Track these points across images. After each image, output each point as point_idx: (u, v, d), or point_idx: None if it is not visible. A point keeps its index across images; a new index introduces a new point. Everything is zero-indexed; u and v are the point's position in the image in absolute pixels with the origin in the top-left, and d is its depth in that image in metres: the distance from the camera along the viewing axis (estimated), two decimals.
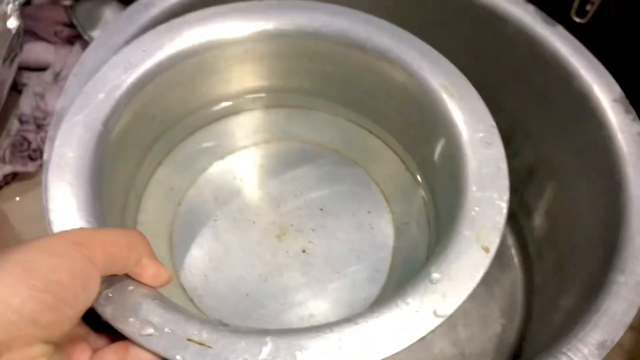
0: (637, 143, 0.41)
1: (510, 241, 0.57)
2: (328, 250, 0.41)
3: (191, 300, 0.39)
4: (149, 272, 0.28)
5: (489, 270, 0.40)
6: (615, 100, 0.43)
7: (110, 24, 0.42)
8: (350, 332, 0.28)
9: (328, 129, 0.46)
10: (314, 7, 0.39)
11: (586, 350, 0.33)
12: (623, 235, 0.38)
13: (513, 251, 0.56)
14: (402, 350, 0.28)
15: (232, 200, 0.43)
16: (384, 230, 0.42)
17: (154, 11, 0.43)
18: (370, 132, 0.46)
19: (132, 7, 0.44)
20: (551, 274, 0.52)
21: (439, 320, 0.28)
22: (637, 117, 0.43)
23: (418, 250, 0.41)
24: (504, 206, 0.32)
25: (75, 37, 0.65)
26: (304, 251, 0.41)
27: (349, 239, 0.42)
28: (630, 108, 0.43)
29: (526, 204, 0.56)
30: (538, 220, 0.55)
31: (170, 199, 0.42)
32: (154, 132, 0.41)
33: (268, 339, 0.27)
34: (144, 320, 0.27)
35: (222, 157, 0.45)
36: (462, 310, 0.45)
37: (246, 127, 0.46)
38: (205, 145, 0.45)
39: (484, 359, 0.52)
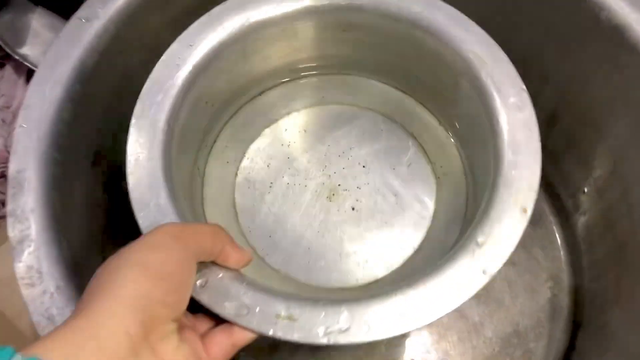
0: None
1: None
2: (374, 204, 0.45)
3: (261, 258, 0.43)
4: (233, 257, 0.32)
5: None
6: None
7: (49, 48, 0.38)
8: (412, 296, 0.31)
9: (363, 91, 0.49)
10: None
11: None
12: None
13: (543, 203, 0.56)
14: (462, 305, 0.31)
15: (283, 166, 0.46)
16: (425, 180, 0.45)
17: (98, 24, 0.40)
18: (404, 92, 0.48)
19: (71, 24, 0.40)
20: (598, 229, 0.51)
21: (488, 278, 0.31)
22: None
23: (458, 199, 0.44)
24: (537, 168, 0.34)
25: (4, 58, 0.55)
26: (353, 208, 0.45)
27: (392, 192, 0.45)
28: None
29: (550, 150, 0.56)
30: (567, 167, 0.54)
31: (228, 172, 0.46)
32: (207, 116, 0.44)
33: (344, 307, 0.31)
34: (237, 303, 0.31)
35: (268, 126, 0.48)
36: (506, 281, 0.48)
37: (287, 96, 0.49)
38: (252, 118, 0.48)
39: (539, 330, 0.52)
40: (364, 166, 0.46)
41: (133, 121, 0.36)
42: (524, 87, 0.36)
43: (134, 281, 0.26)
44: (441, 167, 0.46)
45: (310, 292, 0.42)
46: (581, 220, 0.54)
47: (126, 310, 0.25)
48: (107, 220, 0.45)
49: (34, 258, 0.35)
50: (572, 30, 0.45)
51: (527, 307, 0.53)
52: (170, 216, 0.33)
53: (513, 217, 0.33)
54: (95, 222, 0.43)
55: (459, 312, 0.52)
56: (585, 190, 0.53)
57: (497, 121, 0.36)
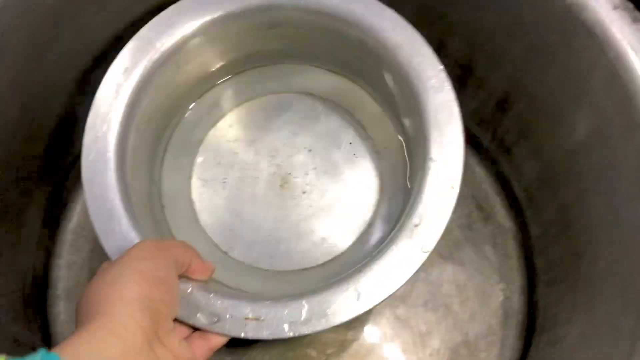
0: None
1: (489, 185, 0.55)
2: (323, 185, 0.46)
3: (225, 252, 0.45)
4: (200, 269, 0.35)
5: (472, 225, 0.51)
6: (616, 8, 0.36)
7: None
8: (363, 281, 0.34)
9: (297, 78, 0.49)
10: None
11: None
12: None
13: (495, 196, 0.55)
14: (406, 283, 0.34)
15: (233, 161, 0.47)
16: (367, 156, 0.47)
17: None
18: (336, 74, 0.49)
19: None
20: (554, 228, 0.48)
21: (426, 255, 0.35)
22: None
23: (399, 171, 0.46)
24: (461, 146, 0.37)
25: None
26: (304, 192, 0.46)
27: (338, 171, 0.47)
28: (638, 14, 0.36)
29: (502, 140, 0.52)
30: (521, 160, 0.51)
31: (182, 176, 0.47)
32: (154, 131, 0.45)
33: (304, 301, 0.34)
34: (208, 313, 0.34)
35: (213, 126, 0.49)
36: (455, 284, 0.48)
37: (226, 94, 0.49)
38: (195, 121, 0.49)
39: (491, 338, 0.49)
40: (309, 150, 0.47)
41: (83, 157, 0.37)
42: (442, 67, 0.38)
43: (136, 284, 0.29)
44: (380, 141, 0.47)
45: (274, 277, 0.45)
46: (536, 217, 0.50)
47: (136, 308, 0.28)
48: None
49: None
50: (525, 10, 0.42)
51: (477, 312, 0.51)
52: (134, 240, 0.36)
53: (443, 195, 0.36)
54: None
55: (403, 321, 0.48)
56: (540, 184, 0.48)
57: (420, 103, 0.38)
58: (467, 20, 0.47)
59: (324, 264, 0.44)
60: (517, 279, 0.51)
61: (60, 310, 0.49)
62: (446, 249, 0.51)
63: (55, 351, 0.24)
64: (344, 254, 0.45)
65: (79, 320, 0.29)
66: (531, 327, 0.49)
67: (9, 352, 0.39)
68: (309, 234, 0.45)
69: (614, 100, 0.37)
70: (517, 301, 0.51)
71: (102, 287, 0.29)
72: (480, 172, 0.55)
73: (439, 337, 0.49)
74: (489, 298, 0.51)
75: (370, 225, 0.45)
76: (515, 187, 0.52)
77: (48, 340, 0.48)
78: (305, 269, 0.44)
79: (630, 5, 0.36)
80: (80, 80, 0.49)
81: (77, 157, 0.51)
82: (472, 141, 0.55)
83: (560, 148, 0.44)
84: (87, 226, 0.52)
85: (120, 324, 0.27)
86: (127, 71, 0.39)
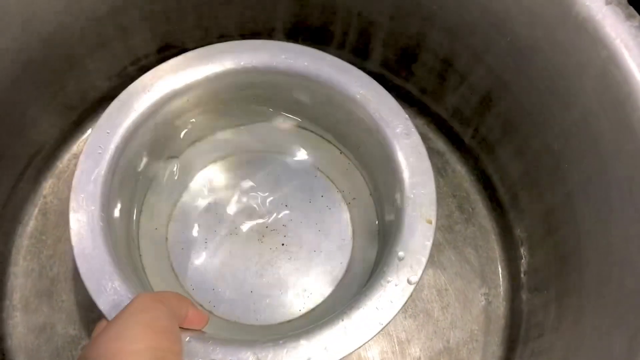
0: None
1: (471, 183, 0.54)
2: (300, 237, 0.49)
3: (209, 311, 0.46)
4: (196, 319, 0.35)
5: (453, 227, 0.52)
6: (609, 3, 0.35)
7: None
8: (357, 316, 0.36)
9: (269, 137, 0.52)
10: (236, 47, 0.44)
11: None
12: None
13: (477, 196, 0.53)
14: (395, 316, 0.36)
15: (211, 220, 0.49)
16: (339, 207, 0.50)
17: None
18: (306, 129, 0.51)
19: None
20: (538, 230, 0.46)
21: (413, 286, 0.37)
22: None
23: (370, 218, 0.49)
24: (432, 184, 0.40)
25: None
26: (283, 244, 0.49)
27: (314, 223, 0.49)
28: (631, 10, 0.35)
29: (484, 138, 0.50)
30: (505, 159, 0.49)
31: (159, 237, 0.48)
32: (132, 189, 0.45)
33: (302, 340, 0.35)
34: None
35: (186, 186, 0.50)
36: (435, 289, 0.47)
37: (201, 154, 0.51)
38: (171, 180, 0.50)
39: (473, 345, 0.47)
40: (285, 205, 0.50)
41: (71, 214, 0.38)
42: (407, 116, 0.42)
43: (143, 336, 0.29)
44: (349, 193, 0.50)
45: (261, 332, 0.46)
46: (519, 219, 0.48)
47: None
48: None
49: None
50: (511, 2, 0.40)
51: (458, 318, 0.49)
52: (127, 295, 0.36)
53: (422, 229, 0.38)
54: None
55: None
56: (524, 185, 0.46)
57: (391, 149, 0.41)
58: (448, 11, 0.44)
59: (307, 313, 0.47)
60: (500, 284, 0.49)
61: (18, 322, 0.46)
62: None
63: None
64: (325, 301, 0.47)
65: None
66: (515, 333, 0.47)
67: None
68: (290, 286, 0.47)
69: (605, 102, 0.35)
70: (500, 306, 0.49)
71: (108, 343, 0.28)
72: (461, 170, 0.53)
73: (419, 345, 0.47)
74: (470, 303, 0.49)
75: (347, 271, 0.48)
76: (498, 187, 0.50)
77: (2, 355, 0.45)
78: (289, 321, 0.46)
79: (624, 1, 0.34)
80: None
81: (33, 157, 0.49)
82: (453, 138, 0.53)
83: (547, 149, 0.42)
84: (45, 230, 0.49)
85: None
86: (109, 134, 0.41)
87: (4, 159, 0.45)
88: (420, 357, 0.46)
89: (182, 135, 0.49)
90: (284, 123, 0.51)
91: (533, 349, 0.43)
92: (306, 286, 0.47)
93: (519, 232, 0.48)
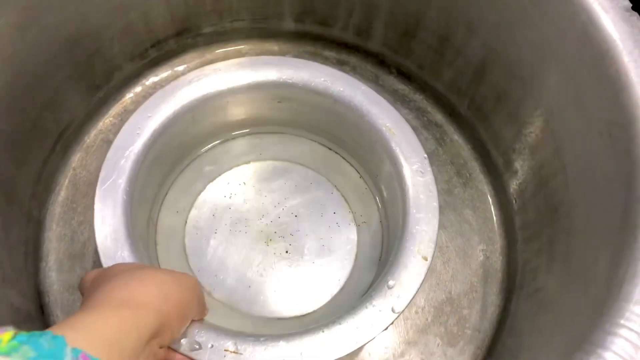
0: (627, 22, 0.38)
1: (468, 151, 0.58)
2: (304, 248, 0.51)
3: (209, 292, 0.49)
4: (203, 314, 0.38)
5: (452, 190, 0.55)
6: None
7: None
8: (336, 330, 0.37)
9: (295, 149, 0.55)
10: (280, 62, 0.47)
11: None
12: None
13: (474, 162, 0.57)
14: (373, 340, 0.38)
15: (226, 214, 0.52)
16: (348, 227, 0.52)
17: None
18: (330, 149, 0.55)
19: None
20: (530, 187, 0.50)
21: (396, 315, 0.38)
22: None
23: (375, 244, 0.51)
24: (435, 223, 0.42)
25: None
26: (287, 251, 0.51)
27: (320, 237, 0.51)
28: None
29: (479, 108, 0.54)
30: (498, 125, 0.53)
31: (178, 220, 0.52)
32: (161, 173, 0.50)
33: (282, 342, 0.37)
34: (192, 340, 0.36)
35: (212, 180, 0.54)
36: (438, 246, 0.49)
37: (229, 153, 0.55)
38: (198, 173, 0.54)
39: (473, 295, 0.51)
40: (296, 215, 0.52)
41: (99, 184, 0.41)
42: (425, 155, 0.44)
43: (171, 286, 0.31)
44: (361, 215, 0.52)
45: (251, 321, 0.48)
46: (513, 179, 0.52)
47: (151, 311, 0.29)
48: None
49: None
50: None
51: (459, 272, 0.53)
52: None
53: (416, 263, 0.40)
54: None
55: None
56: (516, 147, 0.50)
57: (404, 183, 0.43)
58: None
59: (298, 317, 0.49)
60: (496, 240, 0.54)
61: (54, 281, 0.50)
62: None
63: (64, 331, 0.24)
64: (315, 312, 0.49)
65: (94, 297, 0.29)
66: (511, 283, 0.51)
67: (8, 318, 0.40)
68: (286, 291, 0.49)
69: (586, 60, 0.39)
70: (497, 260, 0.53)
71: (134, 273, 0.31)
72: (458, 139, 0.57)
73: (424, 296, 0.51)
74: (470, 258, 0.53)
75: (342, 290, 0.50)
76: (492, 152, 0.54)
77: (42, 309, 0.48)
78: (280, 319, 0.49)
79: None
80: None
81: (63, 132, 0.52)
82: (450, 109, 0.58)
83: (535, 110, 0.46)
84: (75, 199, 0.53)
85: (140, 317, 0.28)
86: (150, 117, 0.44)
87: (38, 130, 0.49)
88: (425, 306, 0.50)
89: (216, 133, 0.53)
90: (312, 140, 0.55)
91: (528, 291, 0.47)
92: (301, 294, 0.49)
93: (512, 191, 0.52)
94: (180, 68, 0.59)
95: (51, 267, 0.50)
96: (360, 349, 0.47)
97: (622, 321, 0.30)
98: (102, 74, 0.54)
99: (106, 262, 0.39)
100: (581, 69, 0.40)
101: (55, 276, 0.50)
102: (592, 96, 0.39)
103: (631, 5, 0.38)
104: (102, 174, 0.41)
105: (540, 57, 0.44)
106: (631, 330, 0.30)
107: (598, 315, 0.32)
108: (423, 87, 0.59)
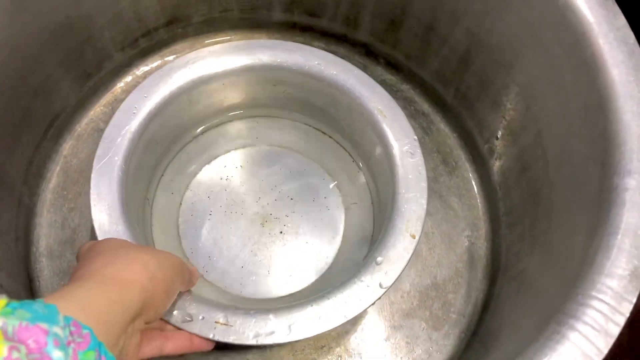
0: (602, 5, 0.39)
1: (453, 140, 0.59)
2: (298, 228, 0.53)
3: (201, 275, 0.50)
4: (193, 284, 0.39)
5: (438, 178, 0.57)
6: None
7: None
8: (325, 305, 0.39)
9: (291, 134, 0.57)
10: (275, 46, 0.48)
11: (618, 285, 0.32)
12: (615, 126, 0.36)
13: (459, 151, 0.58)
14: (362, 312, 0.39)
15: (221, 196, 0.53)
16: (337, 209, 0.54)
17: None
18: (324, 134, 0.56)
19: None
20: (514, 173, 0.51)
21: (383, 290, 0.39)
22: None
23: (365, 224, 0.52)
24: (424, 203, 0.43)
25: None
26: (281, 232, 0.52)
27: (312, 219, 0.53)
28: None
29: (464, 96, 0.55)
30: (482, 112, 0.54)
31: (173, 201, 0.53)
32: (157, 154, 0.50)
33: (271, 315, 0.38)
34: (183, 312, 0.38)
35: (209, 162, 0.55)
36: (424, 233, 0.50)
37: (226, 137, 0.56)
38: (194, 155, 0.55)
39: (458, 281, 0.52)
40: (291, 198, 0.54)
41: (95, 161, 0.42)
42: (415, 137, 0.45)
43: (138, 271, 0.31)
44: (351, 198, 0.54)
45: (242, 303, 0.49)
46: (497, 166, 0.53)
47: (136, 289, 0.30)
48: None
49: None
50: None
51: (444, 257, 0.54)
52: (127, 239, 0.40)
53: (404, 241, 0.41)
54: None
55: None
56: (500, 134, 0.52)
57: (394, 164, 0.44)
58: None
59: (287, 296, 0.50)
60: (481, 227, 0.55)
61: (44, 266, 0.50)
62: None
63: (55, 301, 0.25)
64: (305, 289, 0.50)
65: (84, 269, 0.31)
66: (495, 268, 0.52)
67: None
68: (278, 270, 0.51)
69: (564, 44, 0.40)
70: (481, 246, 0.54)
71: (119, 251, 0.32)
72: (445, 128, 0.58)
73: (409, 281, 0.52)
74: (455, 245, 0.54)
75: (330, 267, 0.51)
76: (477, 140, 0.55)
77: (32, 294, 0.49)
78: (270, 299, 0.50)
79: None
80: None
81: (54, 120, 0.53)
82: (436, 99, 0.59)
83: (517, 96, 0.47)
84: (66, 186, 0.53)
85: (126, 294, 0.29)
86: (146, 97, 0.45)
87: (29, 118, 0.50)
88: (410, 291, 0.51)
89: (212, 115, 0.53)
90: (306, 124, 0.56)
91: (512, 274, 0.48)
92: (292, 273, 0.51)
93: (496, 178, 0.53)
94: (171, 58, 0.60)
95: (42, 252, 0.51)
96: (348, 326, 0.50)
97: (593, 292, 0.31)
98: (93, 62, 0.54)
99: (101, 235, 0.40)
100: (560, 52, 0.41)
101: (45, 262, 0.51)
102: (570, 79, 0.40)
103: None
104: (98, 152, 0.43)
105: (522, 42, 0.45)
106: (602, 301, 0.31)
107: (572, 288, 0.33)
108: (410, 77, 0.60)
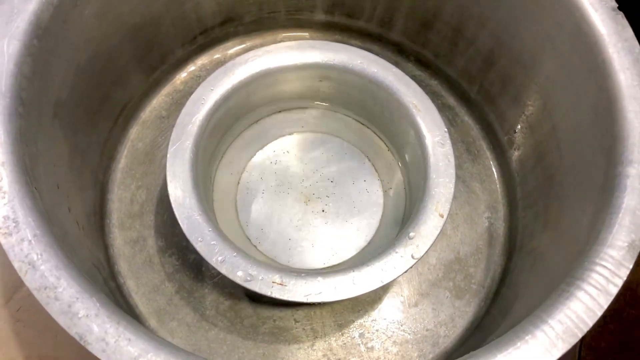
0: (613, 19, 0.44)
1: (476, 131, 0.66)
2: (338, 208, 0.59)
3: (254, 246, 0.57)
4: None
5: (462, 165, 0.63)
6: None
7: (2, 3, 0.43)
8: (364, 271, 0.44)
9: (334, 123, 0.63)
10: (322, 46, 0.55)
11: (618, 255, 0.38)
12: (621, 123, 0.42)
13: (481, 141, 0.65)
14: (397, 278, 0.45)
15: (272, 178, 0.60)
16: (376, 193, 0.60)
17: None
18: (363, 124, 0.62)
19: None
20: (530, 161, 0.57)
21: (414, 260, 0.45)
22: None
23: (399, 207, 0.59)
24: (451, 187, 0.48)
25: None
26: (323, 210, 0.59)
27: (352, 200, 0.59)
28: None
29: (487, 92, 0.61)
30: (503, 107, 0.60)
31: (232, 180, 0.60)
32: (219, 138, 0.57)
33: (319, 277, 0.44)
34: (245, 272, 0.43)
35: (261, 148, 0.62)
36: (448, 215, 0.54)
37: (276, 125, 0.63)
38: (250, 140, 0.62)
39: (478, 256, 0.59)
40: (331, 181, 0.60)
41: (170, 144, 0.49)
42: (446, 129, 0.51)
43: None
44: (388, 182, 0.60)
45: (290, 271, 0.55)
46: (515, 155, 0.59)
47: None
48: (69, 170, 0.47)
49: (9, 209, 0.37)
50: None
51: (467, 236, 0.60)
52: (197, 211, 0.46)
53: (434, 219, 0.47)
54: (59, 172, 0.45)
55: None
56: (519, 127, 0.58)
57: (427, 152, 0.50)
58: None
59: (329, 267, 0.56)
60: (500, 209, 0.61)
61: (116, 236, 0.58)
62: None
63: None
64: (345, 262, 0.56)
65: None
66: (512, 246, 0.58)
67: (87, 258, 0.48)
68: (320, 244, 0.57)
69: (578, 51, 0.47)
70: (500, 227, 0.60)
71: None
72: (468, 120, 0.65)
73: (435, 255, 0.58)
74: (476, 225, 0.60)
75: (369, 244, 0.57)
76: (498, 132, 0.61)
77: (108, 259, 0.56)
78: (314, 269, 0.56)
79: None
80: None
81: (124, 107, 0.60)
82: (461, 94, 0.65)
83: (535, 94, 0.54)
84: (133, 167, 0.60)
85: None
86: (212, 90, 0.52)
87: (106, 105, 0.57)
88: (436, 264, 0.58)
89: (266, 106, 0.60)
90: (348, 116, 0.62)
91: (526, 250, 0.55)
92: (333, 246, 0.57)
93: (514, 166, 0.60)
94: (223, 54, 0.67)
95: (114, 224, 0.58)
96: (381, 292, 0.57)
97: (597, 260, 0.38)
98: (158, 57, 0.61)
99: (177, 207, 0.46)
100: (574, 58, 0.47)
101: (117, 232, 0.58)
102: (583, 82, 0.47)
103: (617, 5, 0.46)
104: (172, 136, 0.49)
105: (541, 47, 0.51)
106: (604, 267, 0.37)
107: (579, 258, 0.39)
108: (438, 74, 0.66)
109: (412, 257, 0.45)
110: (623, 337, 0.75)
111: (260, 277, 0.43)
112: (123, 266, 0.57)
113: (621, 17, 0.45)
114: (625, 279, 0.37)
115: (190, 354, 0.35)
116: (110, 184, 0.60)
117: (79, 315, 0.34)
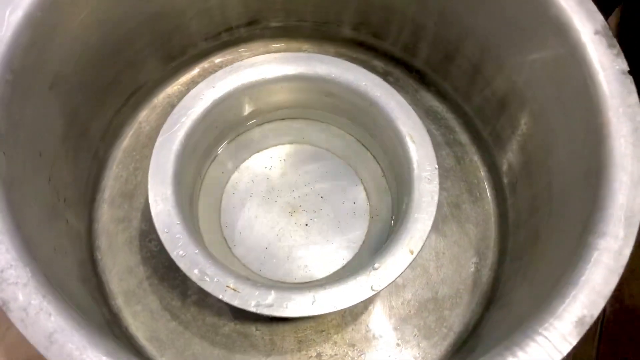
0: (620, 82, 0.42)
1: (483, 173, 0.63)
2: (322, 225, 0.59)
3: (229, 248, 0.57)
4: None
5: (460, 205, 0.61)
6: (597, 33, 0.43)
7: None
8: (321, 293, 0.44)
9: (334, 139, 0.62)
10: (331, 62, 0.54)
11: (564, 328, 0.36)
12: (604, 192, 0.40)
13: (485, 184, 0.63)
14: (349, 307, 0.44)
15: (262, 183, 0.60)
16: (363, 216, 0.60)
17: None
18: (363, 145, 0.61)
19: None
20: (525, 214, 0.55)
21: (373, 292, 0.44)
22: (621, 52, 0.41)
23: (382, 234, 0.57)
24: (429, 225, 0.47)
25: None
26: (306, 224, 0.58)
27: (337, 220, 0.59)
28: (614, 41, 0.42)
29: (498, 135, 0.60)
30: (511, 153, 0.58)
31: (221, 179, 0.60)
32: (214, 137, 0.57)
33: (273, 291, 0.43)
34: (202, 272, 0.44)
35: (257, 152, 0.62)
36: (434, 251, 0.56)
37: (276, 132, 0.62)
38: (247, 143, 0.62)
39: (456, 300, 0.57)
40: (322, 197, 0.60)
41: (161, 133, 0.49)
42: (437, 166, 0.49)
43: None
44: (376, 209, 0.60)
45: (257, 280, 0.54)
46: (514, 205, 0.56)
47: None
48: (61, 142, 0.48)
49: None
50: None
51: (449, 277, 0.58)
52: (171, 203, 0.47)
53: (403, 254, 0.46)
54: (45, 141, 0.46)
55: None
56: (520, 176, 0.56)
57: (412, 186, 0.49)
58: (482, 26, 0.55)
59: (299, 283, 0.56)
60: (489, 257, 0.59)
61: (104, 212, 0.59)
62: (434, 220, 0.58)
63: None
64: (316, 281, 0.56)
65: None
66: (492, 296, 0.56)
67: (63, 231, 0.49)
68: (296, 258, 0.57)
69: (580, 108, 0.44)
70: (485, 274, 0.58)
71: None
72: (477, 161, 0.63)
73: (412, 291, 0.57)
74: (462, 268, 0.58)
75: (344, 267, 0.57)
76: (502, 178, 0.60)
77: (89, 233, 0.58)
78: (283, 283, 0.56)
79: (609, 33, 0.43)
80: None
81: (136, 90, 0.61)
82: (474, 132, 0.63)
83: (538, 148, 0.52)
84: (136, 148, 0.62)
85: None
86: (214, 88, 0.52)
87: (116, 85, 0.58)
88: (410, 300, 0.56)
89: (267, 112, 0.60)
90: (349, 133, 0.62)
91: (502, 303, 0.53)
92: (308, 263, 0.56)
93: (511, 215, 0.58)
94: (246, 54, 0.67)
95: (105, 200, 0.60)
96: (349, 318, 0.56)
97: (540, 329, 0.36)
98: (179, 47, 0.62)
99: (153, 190, 0.47)
100: (576, 115, 0.45)
101: (106, 208, 0.59)
102: (581, 141, 0.44)
103: (628, 69, 0.43)
104: (165, 126, 0.49)
105: (549, 99, 0.49)
106: (546, 338, 0.36)
107: (525, 322, 0.38)
108: (455, 108, 0.64)
109: (372, 288, 0.44)
110: None
111: (215, 279, 0.44)
112: (104, 242, 0.58)
113: (630, 82, 0.43)
114: (565, 355, 0.35)
115: (105, 337, 0.35)
116: (110, 160, 0.61)
117: (9, 282, 0.36)
